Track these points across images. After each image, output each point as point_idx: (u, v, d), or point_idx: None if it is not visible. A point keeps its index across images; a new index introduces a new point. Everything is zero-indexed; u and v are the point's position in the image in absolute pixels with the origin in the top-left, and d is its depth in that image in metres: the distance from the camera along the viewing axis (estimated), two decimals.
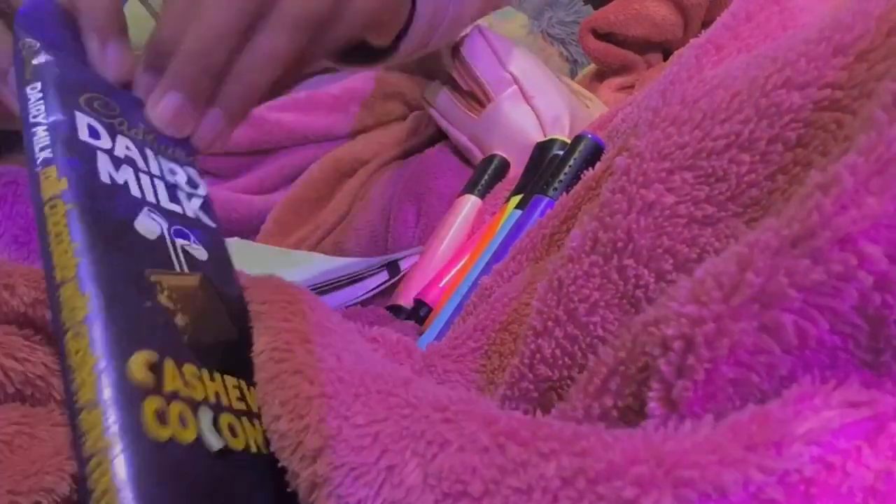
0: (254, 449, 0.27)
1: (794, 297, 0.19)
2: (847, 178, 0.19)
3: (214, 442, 0.25)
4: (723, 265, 0.20)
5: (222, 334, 0.30)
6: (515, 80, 0.68)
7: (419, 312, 0.55)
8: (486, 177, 0.63)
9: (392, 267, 0.60)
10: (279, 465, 0.25)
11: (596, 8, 1.45)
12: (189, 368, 0.26)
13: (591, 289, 0.28)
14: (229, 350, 0.29)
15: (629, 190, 0.27)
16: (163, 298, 0.28)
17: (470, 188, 0.63)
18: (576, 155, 0.50)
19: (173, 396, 0.24)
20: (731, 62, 0.30)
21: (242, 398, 0.28)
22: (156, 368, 0.25)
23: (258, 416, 0.28)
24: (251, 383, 0.28)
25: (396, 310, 0.56)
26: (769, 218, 0.21)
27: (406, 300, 0.56)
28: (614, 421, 0.23)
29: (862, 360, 0.20)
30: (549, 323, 0.28)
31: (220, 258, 0.34)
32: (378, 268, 0.59)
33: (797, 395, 0.19)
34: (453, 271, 0.55)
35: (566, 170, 0.50)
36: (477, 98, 0.71)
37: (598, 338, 0.27)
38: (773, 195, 0.25)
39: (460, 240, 0.59)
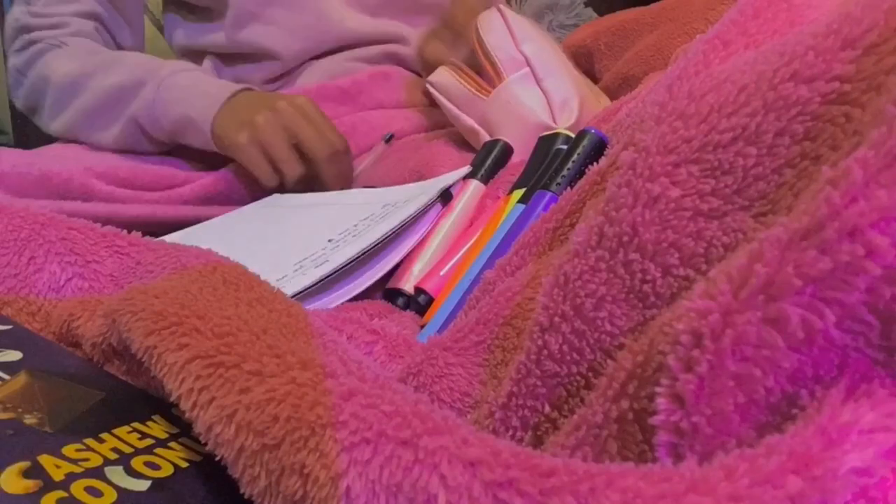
0: (184, 465, 0.28)
1: (800, 287, 0.19)
2: (857, 172, 0.19)
3: (138, 485, 0.26)
4: (735, 260, 0.20)
5: (83, 402, 0.31)
6: (527, 62, 0.68)
7: (418, 299, 0.55)
8: (489, 161, 0.63)
9: (445, 196, 0.61)
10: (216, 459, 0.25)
11: (597, 11, 1.45)
12: (70, 449, 0.27)
13: (598, 284, 0.27)
14: (100, 409, 0.31)
15: (635, 184, 0.27)
16: (0, 413, 0.28)
17: (473, 172, 0.63)
18: (579, 150, 0.50)
19: (71, 480, 0.25)
20: (738, 57, 0.30)
21: (144, 435, 0.30)
22: (33, 471, 0.25)
23: (173, 438, 0.30)
24: (146, 418, 0.31)
25: (396, 293, 0.56)
26: (780, 216, 0.21)
27: (407, 284, 0.56)
28: (629, 423, 0.23)
29: (874, 358, 0.20)
30: (556, 318, 0.28)
31: (34, 346, 0.35)
32: (434, 201, 0.60)
33: (828, 417, 0.19)
34: (454, 260, 0.54)
35: (569, 165, 0.50)
36: (487, 79, 0.71)
37: (606, 333, 0.27)
38: (780, 189, 0.24)
39: (462, 224, 0.59)
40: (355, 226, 0.60)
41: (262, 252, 0.62)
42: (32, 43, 0.90)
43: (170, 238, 0.66)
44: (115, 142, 0.83)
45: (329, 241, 0.58)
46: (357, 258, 0.54)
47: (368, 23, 0.96)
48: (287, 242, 0.63)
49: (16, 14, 0.92)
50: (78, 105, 0.84)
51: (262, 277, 0.54)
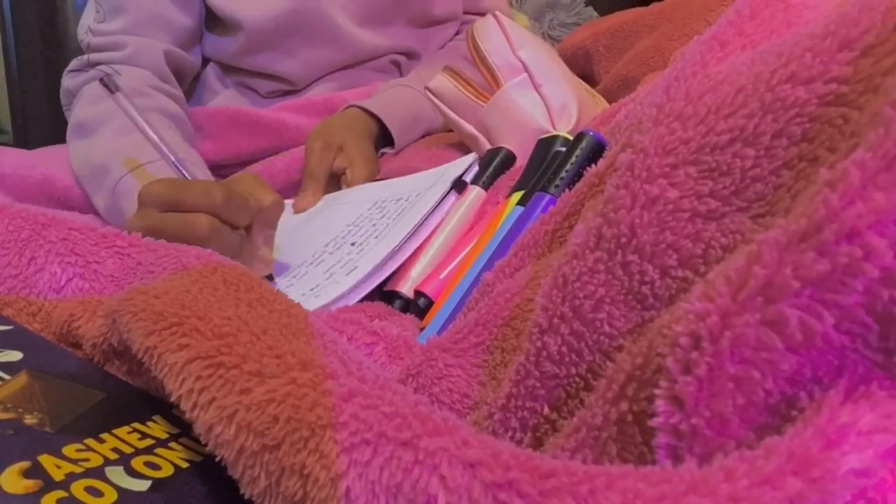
0: (184, 465, 0.28)
1: (798, 289, 0.19)
2: (854, 174, 0.19)
3: (138, 485, 0.26)
4: (734, 262, 0.21)
5: (83, 402, 0.31)
6: (525, 67, 0.68)
7: (418, 302, 0.55)
8: (490, 168, 0.63)
9: (458, 184, 0.62)
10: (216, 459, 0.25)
11: (597, 10, 1.45)
12: (70, 449, 0.27)
13: (596, 285, 0.27)
14: (101, 409, 0.31)
15: (633, 185, 0.27)
16: (1, 413, 0.28)
17: (474, 179, 0.63)
18: (577, 152, 0.50)
19: (71, 480, 0.25)
20: (735, 58, 0.30)
21: (144, 435, 0.30)
22: (33, 471, 0.25)
23: (173, 438, 0.30)
24: (147, 418, 0.31)
25: (393, 295, 0.56)
26: (778, 218, 0.21)
27: (405, 286, 0.56)
28: (629, 425, 0.23)
29: (872, 360, 0.20)
30: (555, 320, 0.28)
31: (35, 346, 0.35)
32: (448, 191, 0.61)
33: (827, 418, 0.19)
34: (453, 263, 0.55)
35: (568, 167, 0.50)
36: (485, 86, 0.71)
37: (605, 334, 0.27)
38: (778, 191, 0.24)
39: (462, 229, 0.59)
40: (374, 225, 0.61)
41: (286, 259, 0.63)
42: (90, 66, 0.87)
43: None
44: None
45: (353, 244, 0.60)
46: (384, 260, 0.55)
47: (380, 39, 0.96)
48: (308, 247, 0.64)
49: (81, 33, 0.89)
50: (79, 161, 0.80)
51: (295, 287, 0.56)
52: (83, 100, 0.82)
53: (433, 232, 0.59)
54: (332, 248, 0.61)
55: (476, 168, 0.64)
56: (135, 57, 0.86)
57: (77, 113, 0.81)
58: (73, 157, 0.80)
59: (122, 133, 0.75)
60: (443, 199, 0.60)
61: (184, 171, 0.63)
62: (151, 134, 0.64)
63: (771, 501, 0.18)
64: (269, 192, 0.58)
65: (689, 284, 0.26)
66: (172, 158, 0.63)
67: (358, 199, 0.70)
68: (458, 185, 0.61)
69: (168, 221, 0.54)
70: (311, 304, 0.52)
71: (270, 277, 0.60)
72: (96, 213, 0.78)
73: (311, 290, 0.55)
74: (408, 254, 0.57)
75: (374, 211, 0.64)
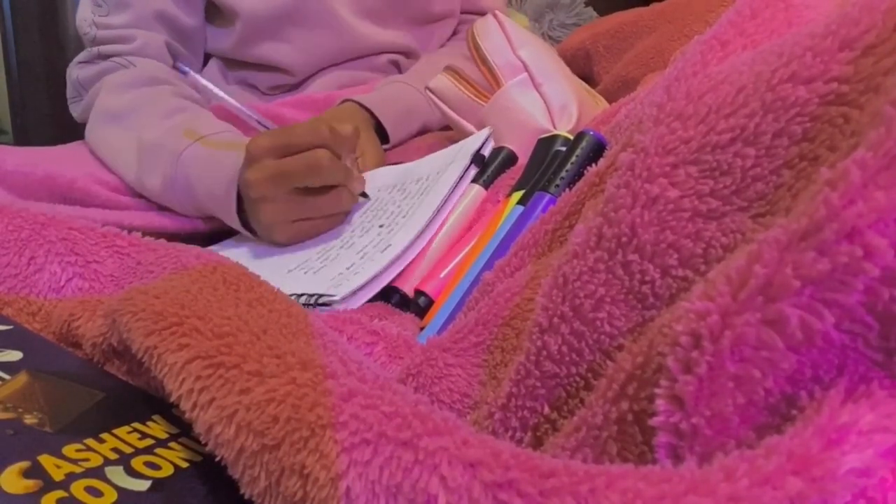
0: (184, 465, 0.28)
1: (799, 288, 0.19)
2: (855, 173, 0.19)
3: (138, 485, 0.26)
4: (734, 262, 0.21)
5: (83, 402, 0.31)
6: (525, 67, 0.68)
7: (418, 301, 0.55)
8: (491, 168, 0.63)
9: (478, 159, 0.63)
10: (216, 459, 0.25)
11: (597, 11, 1.45)
12: (70, 449, 0.27)
13: (597, 284, 0.27)
14: (101, 409, 0.31)
15: (633, 185, 0.27)
16: (1, 413, 0.28)
17: (474, 178, 0.63)
18: (578, 152, 0.50)
19: (71, 480, 0.25)
20: (736, 58, 0.30)
21: (144, 435, 0.30)
22: (33, 471, 0.25)
23: (173, 438, 0.30)
24: (147, 418, 0.31)
25: (393, 291, 0.56)
26: (779, 217, 0.21)
27: (405, 284, 0.56)
28: (629, 425, 0.23)
29: (873, 359, 0.20)
30: (555, 319, 0.28)
31: (35, 346, 0.35)
32: (468, 167, 0.63)
33: (827, 418, 0.19)
34: (453, 262, 0.55)
35: (568, 167, 0.50)
36: (486, 85, 0.71)
37: (606, 334, 0.27)
38: (779, 190, 0.24)
39: (462, 227, 0.60)
40: (398, 206, 0.62)
41: (314, 242, 0.65)
42: (100, 57, 0.88)
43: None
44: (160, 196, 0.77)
45: (381, 226, 0.61)
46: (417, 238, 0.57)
47: (379, 33, 0.96)
48: (333, 232, 0.65)
49: (83, 26, 0.89)
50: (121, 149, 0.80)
51: (328, 268, 0.58)
52: (107, 89, 0.84)
53: (436, 231, 0.59)
54: (360, 231, 0.62)
55: (492, 142, 0.65)
56: (144, 49, 0.88)
57: (102, 102, 0.83)
58: (103, 143, 0.82)
59: (169, 115, 0.78)
60: (464, 173, 0.61)
61: (270, 128, 0.69)
62: (234, 102, 0.73)
63: (771, 501, 0.18)
64: (346, 124, 0.65)
65: (689, 284, 0.26)
66: (256, 118, 0.72)
67: (374, 184, 0.71)
68: (478, 160, 0.62)
69: (289, 163, 0.60)
70: (351, 282, 0.53)
71: (364, 195, 0.66)
72: (99, 206, 0.78)
73: (348, 268, 0.56)
74: (434, 229, 0.58)
75: (396, 193, 0.65)
